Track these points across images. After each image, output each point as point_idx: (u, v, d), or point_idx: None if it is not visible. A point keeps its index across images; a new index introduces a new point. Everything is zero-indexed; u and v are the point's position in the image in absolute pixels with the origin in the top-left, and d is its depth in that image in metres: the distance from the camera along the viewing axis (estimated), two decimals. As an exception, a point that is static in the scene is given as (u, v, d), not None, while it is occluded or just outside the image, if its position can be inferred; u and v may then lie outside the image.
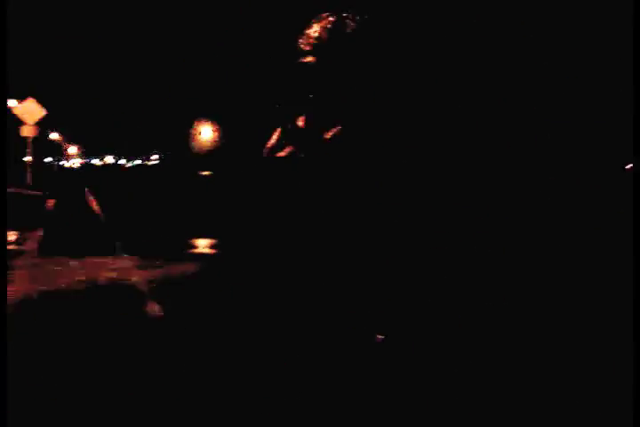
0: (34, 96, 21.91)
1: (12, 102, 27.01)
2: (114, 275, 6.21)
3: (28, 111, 21.65)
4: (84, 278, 5.99)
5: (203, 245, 8.58)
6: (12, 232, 9.79)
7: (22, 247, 8.21)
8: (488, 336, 3.09)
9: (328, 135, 2.80)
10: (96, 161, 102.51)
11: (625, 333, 3.06)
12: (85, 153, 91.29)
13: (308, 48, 2.97)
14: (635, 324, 2.95)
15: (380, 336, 3.03)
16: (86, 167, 69.55)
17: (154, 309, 4.88)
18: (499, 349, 3.02)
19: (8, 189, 20.89)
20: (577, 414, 2.60)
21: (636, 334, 2.88)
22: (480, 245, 4.10)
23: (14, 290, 5.25)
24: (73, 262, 6.88)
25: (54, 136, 58.74)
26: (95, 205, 15.42)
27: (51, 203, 14.97)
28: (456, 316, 3.26)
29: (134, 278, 6.03)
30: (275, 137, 3.67)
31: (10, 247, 8.30)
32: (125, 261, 7.11)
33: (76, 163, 76.96)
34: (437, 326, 3.10)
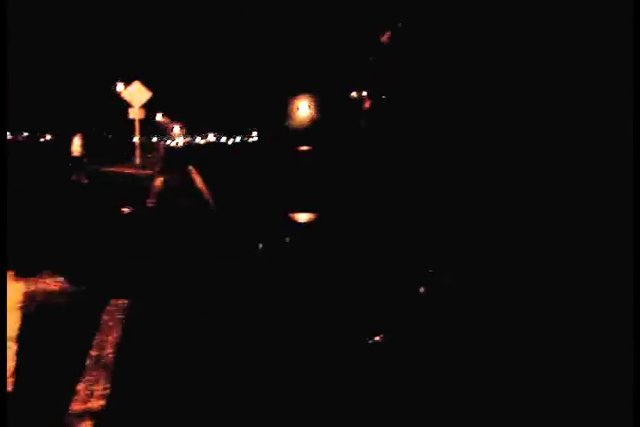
0: (140, 79, 22.86)
1: (119, 86, 28.27)
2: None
3: (135, 94, 22.63)
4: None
5: (302, 219, 8.75)
6: (125, 209, 10.37)
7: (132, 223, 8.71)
8: (488, 336, 3.01)
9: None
10: (198, 139, 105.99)
11: (625, 333, 2.91)
12: (188, 132, 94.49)
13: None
14: (635, 324, 2.84)
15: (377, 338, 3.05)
16: (190, 145, 72.07)
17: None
18: (498, 349, 2.95)
19: (118, 170, 21.95)
20: (577, 413, 2.50)
21: (636, 334, 2.77)
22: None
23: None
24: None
25: (159, 117, 61.21)
26: (199, 182, 16.00)
27: (158, 181, 15.66)
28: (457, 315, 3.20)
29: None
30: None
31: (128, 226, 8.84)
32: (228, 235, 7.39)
33: (179, 142, 79.94)
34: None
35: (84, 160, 17.28)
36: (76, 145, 17.09)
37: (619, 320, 3.14)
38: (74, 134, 17.30)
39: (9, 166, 5.59)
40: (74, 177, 16.34)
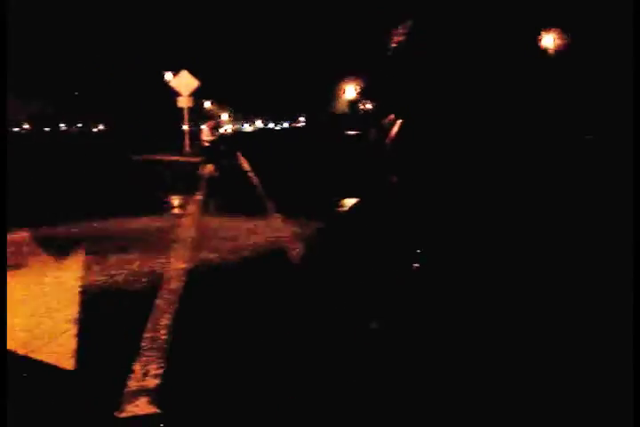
0: (187, 68, 23.18)
1: (167, 75, 28.67)
2: (269, 232, 6.61)
3: (183, 83, 22.98)
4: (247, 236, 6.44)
5: (348, 204, 8.81)
6: (174, 196, 10.65)
7: (184, 211, 8.93)
8: (489, 336, 2.99)
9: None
10: (246, 126, 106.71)
11: (625, 333, 2.86)
12: (236, 119, 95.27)
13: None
14: (635, 324, 2.80)
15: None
16: (237, 132, 72.72)
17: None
18: (499, 349, 2.93)
19: (169, 158, 22.33)
20: (577, 413, 2.47)
21: (636, 334, 2.73)
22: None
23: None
24: (232, 222, 7.38)
25: (208, 105, 61.94)
26: (248, 168, 16.22)
27: (208, 168, 15.91)
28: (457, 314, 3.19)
29: (286, 235, 6.39)
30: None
31: (175, 211, 9.08)
32: (277, 222, 7.52)
33: (228, 128, 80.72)
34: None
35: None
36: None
37: (617, 319, 3.11)
38: (128, 124, 17.82)
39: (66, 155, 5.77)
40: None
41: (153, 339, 3.55)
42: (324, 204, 8.93)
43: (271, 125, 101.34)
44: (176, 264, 5.33)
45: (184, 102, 23.14)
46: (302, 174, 14.68)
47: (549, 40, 21.69)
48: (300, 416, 2.62)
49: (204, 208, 9.12)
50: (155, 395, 2.83)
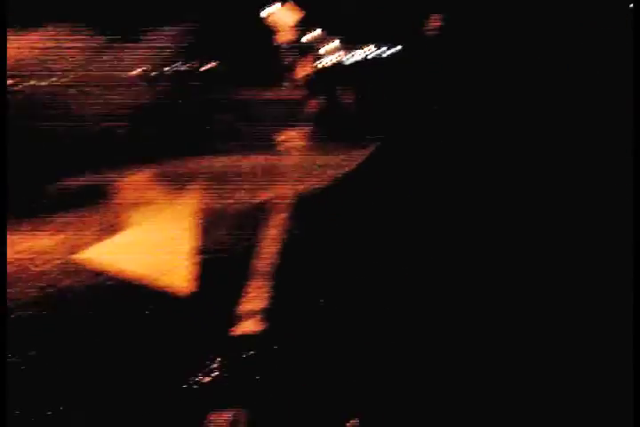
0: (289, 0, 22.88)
1: (270, 9, 28.49)
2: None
3: (285, 16, 22.77)
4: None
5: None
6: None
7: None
8: (488, 336, 2.87)
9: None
10: (358, 52, 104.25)
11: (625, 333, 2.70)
12: (346, 48, 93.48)
13: None
14: (634, 324, 2.67)
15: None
16: (345, 62, 71.37)
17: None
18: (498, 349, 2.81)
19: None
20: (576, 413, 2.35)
21: (636, 334, 2.59)
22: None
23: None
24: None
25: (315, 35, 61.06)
26: (350, 101, 16.09)
27: (313, 103, 15.90)
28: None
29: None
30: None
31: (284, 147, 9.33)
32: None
33: (337, 58, 79.54)
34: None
35: None
36: None
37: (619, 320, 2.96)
38: None
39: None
40: None
41: (262, 266, 3.87)
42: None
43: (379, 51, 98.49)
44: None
45: (286, 36, 23.03)
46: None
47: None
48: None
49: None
50: (264, 316, 3.15)
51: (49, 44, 9.82)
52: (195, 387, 2.56)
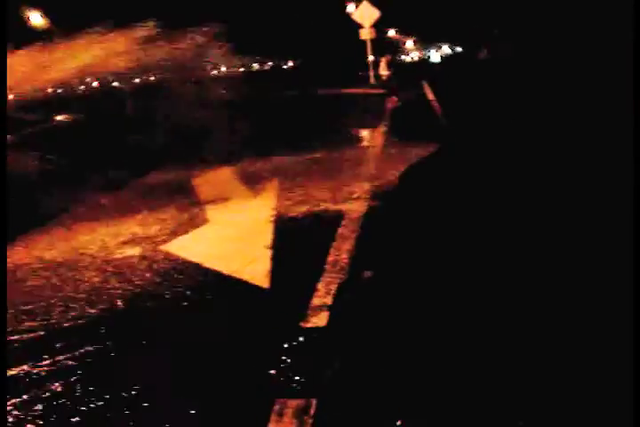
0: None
1: (350, 7, 28.64)
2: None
3: (365, 15, 22.88)
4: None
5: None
6: (363, 130, 10.97)
7: (371, 143, 9.27)
8: (489, 336, 2.77)
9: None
10: (433, 52, 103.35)
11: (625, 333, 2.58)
12: (422, 46, 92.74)
13: None
14: (635, 324, 2.54)
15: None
16: (424, 60, 70.92)
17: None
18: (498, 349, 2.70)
19: (354, 91, 22.69)
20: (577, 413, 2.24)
21: (636, 334, 2.47)
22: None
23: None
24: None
25: (392, 33, 61.00)
26: (433, 99, 16.03)
27: (391, 100, 16.01)
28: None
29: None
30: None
31: (364, 144, 9.47)
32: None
33: (414, 56, 79.10)
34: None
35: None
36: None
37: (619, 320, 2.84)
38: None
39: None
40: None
41: (335, 262, 3.95)
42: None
43: (459, 49, 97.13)
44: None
45: (366, 34, 23.12)
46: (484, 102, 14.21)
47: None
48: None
49: (388, 139, 9.33)
50: (334, 310, 3.23)
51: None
52: (266, 376, 2.66)
